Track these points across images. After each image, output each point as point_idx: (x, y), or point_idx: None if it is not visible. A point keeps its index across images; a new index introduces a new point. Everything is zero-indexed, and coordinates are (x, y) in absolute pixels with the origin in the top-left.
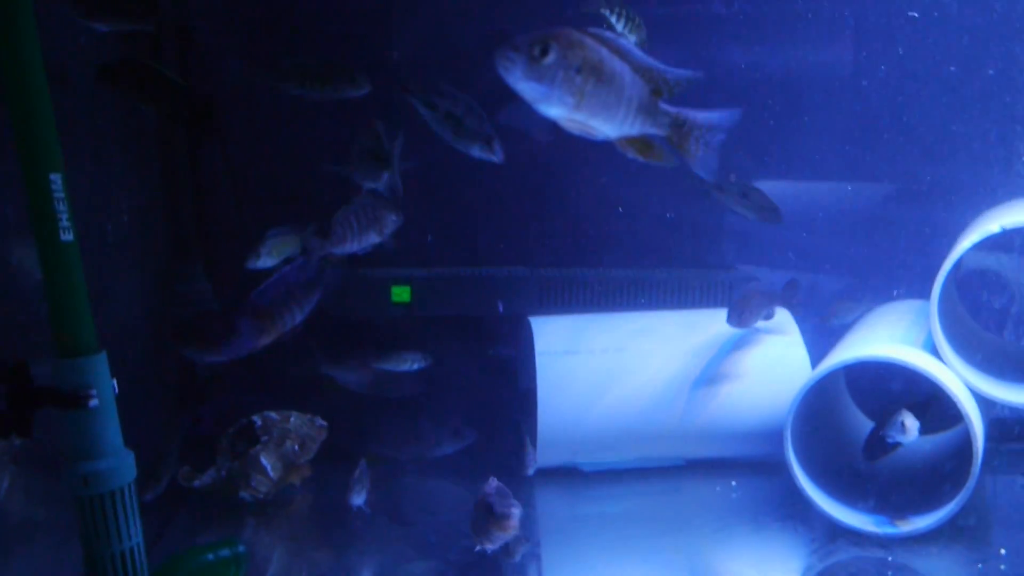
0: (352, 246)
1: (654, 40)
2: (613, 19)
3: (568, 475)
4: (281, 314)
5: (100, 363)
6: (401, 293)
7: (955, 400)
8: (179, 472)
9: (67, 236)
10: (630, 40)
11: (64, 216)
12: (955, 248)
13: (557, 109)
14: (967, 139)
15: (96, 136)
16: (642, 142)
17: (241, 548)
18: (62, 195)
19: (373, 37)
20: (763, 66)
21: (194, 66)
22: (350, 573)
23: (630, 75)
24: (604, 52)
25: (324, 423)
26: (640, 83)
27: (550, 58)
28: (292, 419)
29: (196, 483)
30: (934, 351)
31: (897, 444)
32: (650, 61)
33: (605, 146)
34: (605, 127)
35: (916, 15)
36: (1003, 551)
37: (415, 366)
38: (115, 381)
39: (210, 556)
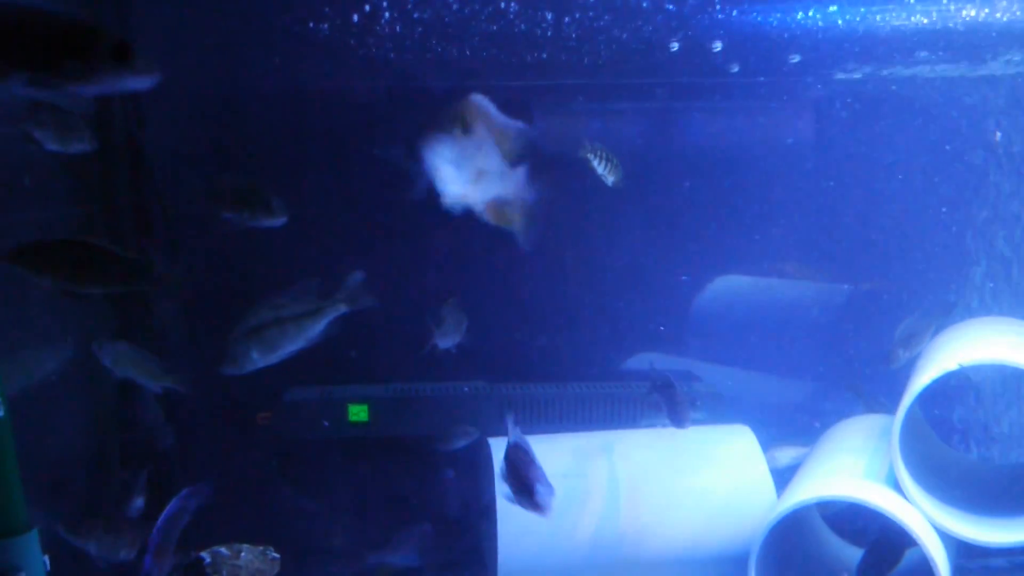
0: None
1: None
2: (595, 162)
3: None
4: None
5: (30, 543)
6: (359, 412)
7: (922, 546)
8: None
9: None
10: (608, 180)
11: None
12: (913, 385)
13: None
14: (925, 243)
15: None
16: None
17: None
18: None
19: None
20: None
21: (145, 185)
22: None
23: None
24: None
25: (277, 555)
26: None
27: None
28: (243, 554)
29: None
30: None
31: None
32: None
33: (569, 261)
34: None
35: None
36: None
37: None
38: (47, 557)
39: None
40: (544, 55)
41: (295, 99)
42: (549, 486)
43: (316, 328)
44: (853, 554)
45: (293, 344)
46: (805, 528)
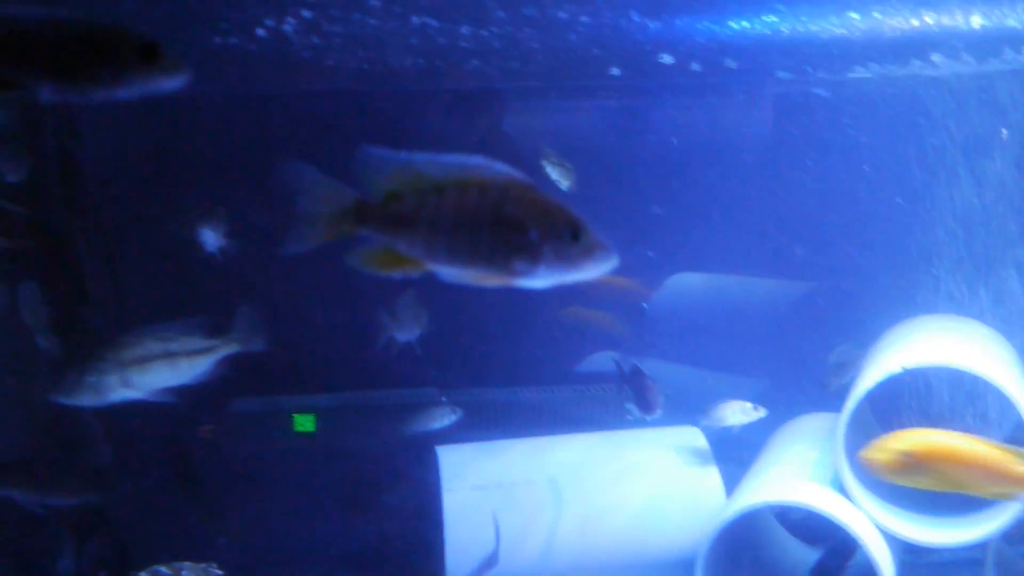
0: None
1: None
2: (550, 168)
3: None
4: None
5: None
6: (305, 422)
7: (866, 549)
8: None
9: None
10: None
11: None
12: (857, 388)
13: None
14: (886, 245)
15: None
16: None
17: None
18: None
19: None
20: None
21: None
22: None
23: None
24: None
25: (220, 573)
26: None
27: None
28: (184, 572)
29: None
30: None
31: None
32: None
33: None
34: None
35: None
36: None
37: None
38: None
39: None
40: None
41: (230, 105)
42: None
43: (207, 365)
44: (805, 552)
45: (178, 379)
46: (757, 526)
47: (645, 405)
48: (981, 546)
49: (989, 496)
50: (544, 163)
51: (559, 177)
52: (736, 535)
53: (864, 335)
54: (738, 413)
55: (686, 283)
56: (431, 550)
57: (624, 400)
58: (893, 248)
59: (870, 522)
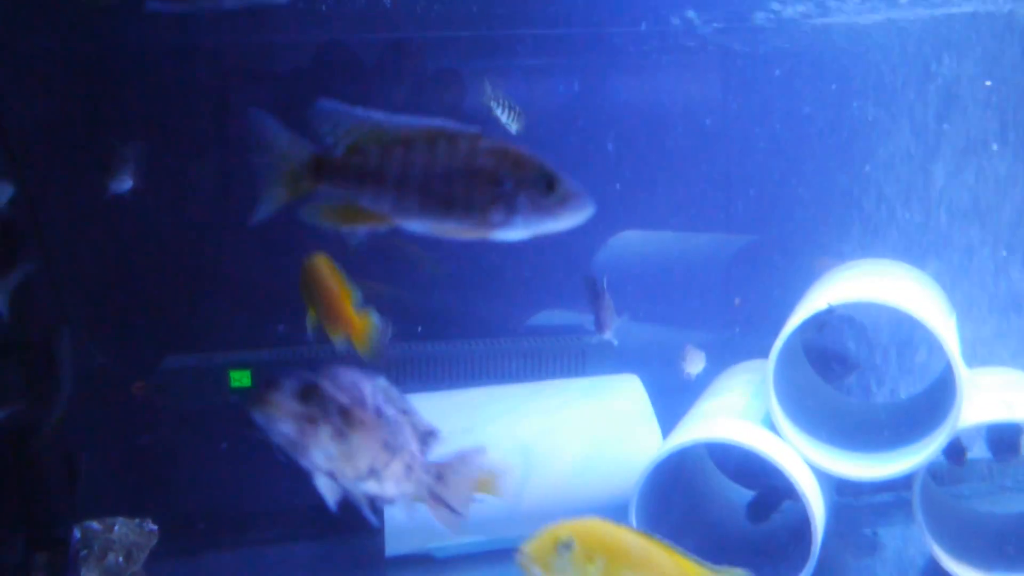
0: None
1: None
2: (499, 111)
3: (422, 563)
4: None
5: None
6: (241, 378)
7: (793, 484)
8: None
9: None
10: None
11: None
12: (786, 326)
13: None
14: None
15: None
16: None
17: None
18: None
19: None
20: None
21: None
22: None
23: None
24: None
25: (154, 527)
26: None
27: None
28: (116, 527)
29: None
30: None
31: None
32: None
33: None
34: None
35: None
36: None
37: None
38: None
39: None
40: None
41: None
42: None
43: None
44: (744, 496)
45: None
46: (694, 469)
47: (600, 323)
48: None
49: None
50: (492, 104)
51: (509, 121)
52: (674, 479)
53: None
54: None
55: (631, 241)
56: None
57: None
58: (825, 196)
59: (799, 457)
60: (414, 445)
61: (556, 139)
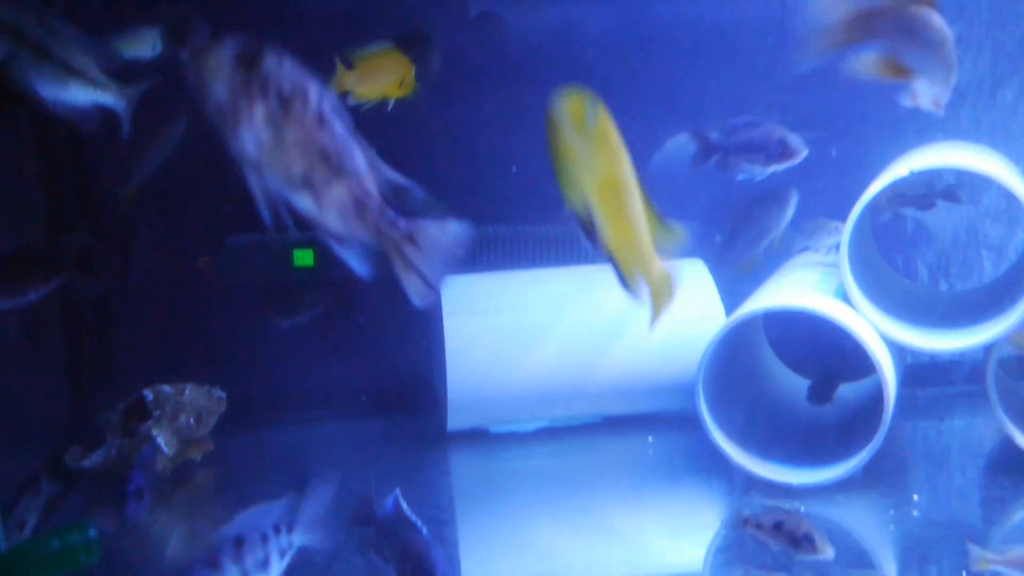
0: None
1: None
2: None
3: (480, 438)
4: None
5: None
6: (304, 256)
7: (865, 348)
8: (67, 452)
9: None
10: None
11: None
12: (865, 193)
13: None
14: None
15: None
16: None
17: (92, 532)
18: None
19: None
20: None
21: None
22: None
23: None
24: None
25: (223, 394)
26: None
27: None
28: (187, 391)
29: (85, 463)
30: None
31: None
32: None
33: (505, 100)
34: None
35: None
36: (916, 497)
37: None
38: None
39: (56, 543)
40: None
41: None
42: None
43: None
44: (800, 382)
45: None
46: (754, 357)
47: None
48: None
49: None
50: None
51: None
52: (736, 366)
53: None
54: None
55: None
56: (434, 378)
57: None
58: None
59: (873, 328)
60: (369, 182)
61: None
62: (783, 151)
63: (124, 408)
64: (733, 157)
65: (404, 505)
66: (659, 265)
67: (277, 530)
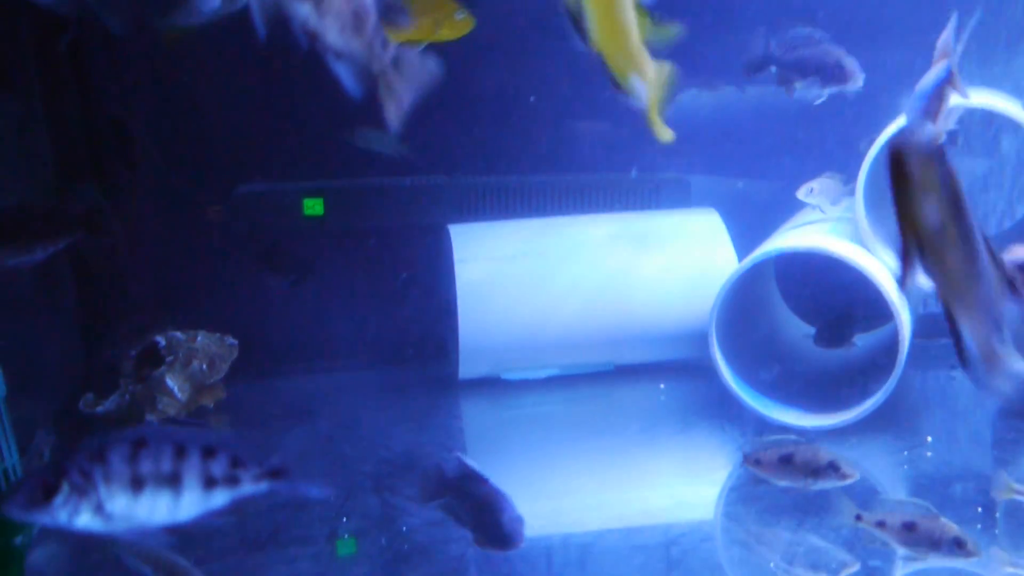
0: None
1: None
2: None
3: (493, 385)
4: None
5: None
6: (314, 206)
7: (880, 289)
8: (81, 398)
9: None
10: None
11: None
12: (879, 137)
13: None
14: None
15: None
16: None
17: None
18: None
19: None
20: None
21: None
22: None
23: None
24: None
25: (235, 341)
26: None
27: None
28: (199, 338)
29: (99, 409)
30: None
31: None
32: None
33: (523, 47)
34: None
35: None
36: (929, 439)
37: None
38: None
39: None
40: None
41: None
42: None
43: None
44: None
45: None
46: (768, 310)
47: None
48: None
49: None
50: None
51: None
52: (746, 312)
53: None
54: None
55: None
56: (445, 326)
57: None
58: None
59: (887, 270)
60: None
61: None
62: (839, 74)
63: (137, 354)
64: (787, 72)
65: (468, 461)
66: (649, 62)
67: (211, 453)
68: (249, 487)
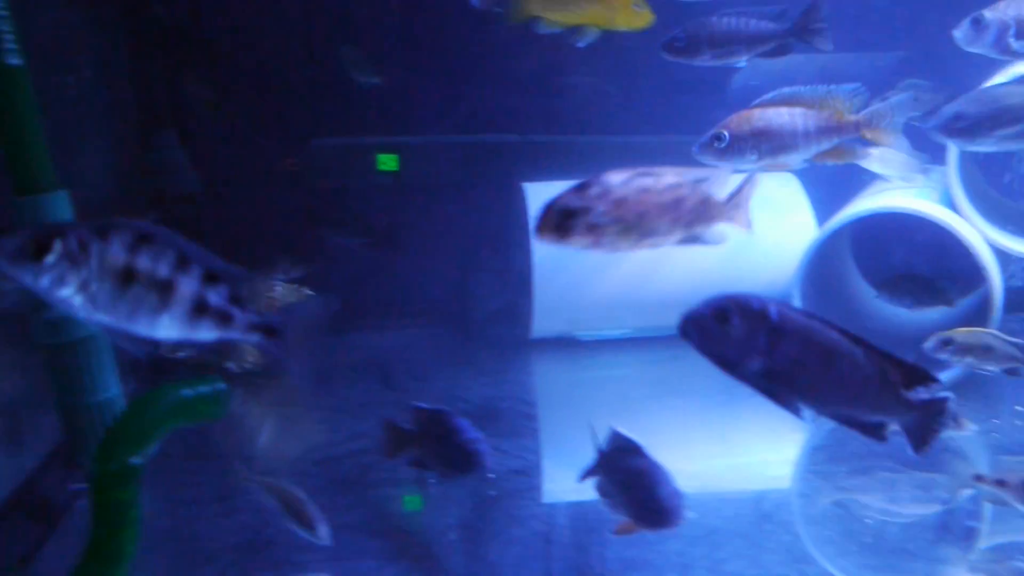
0: None
1: None
2: None
3: (566, 345)
4: None
5: (60, 201)
6: (388, 161)
7: (973, 250)
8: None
9: (13, 59)
10: None
11: (9, 38)
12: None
13: None
14: None
15: None
16: None
17: (222, 386)
18: (6, 13)
19: None
20: None
21: None
22: (342, 440)
23: None
24: None
25: (312, 293)
26: None
27: None
28: (277, 288)
29: (181, 354)
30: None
31: None
32: None
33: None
34: None
35: None
36: (1018, 407)
37: None
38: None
39: (186, 392)
40: None
41: None
42: None
43: None
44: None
45: None
46: (841, 274)
47: None
48: None
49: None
50: None
51: None
52: (823, 275)
53: None
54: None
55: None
56: (516, 284)
57: None
58: None
59: (980, 235)
60: None
61: None
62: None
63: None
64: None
65: (623, 432)
66: None
67: (213, 279)
68: (238, 332)
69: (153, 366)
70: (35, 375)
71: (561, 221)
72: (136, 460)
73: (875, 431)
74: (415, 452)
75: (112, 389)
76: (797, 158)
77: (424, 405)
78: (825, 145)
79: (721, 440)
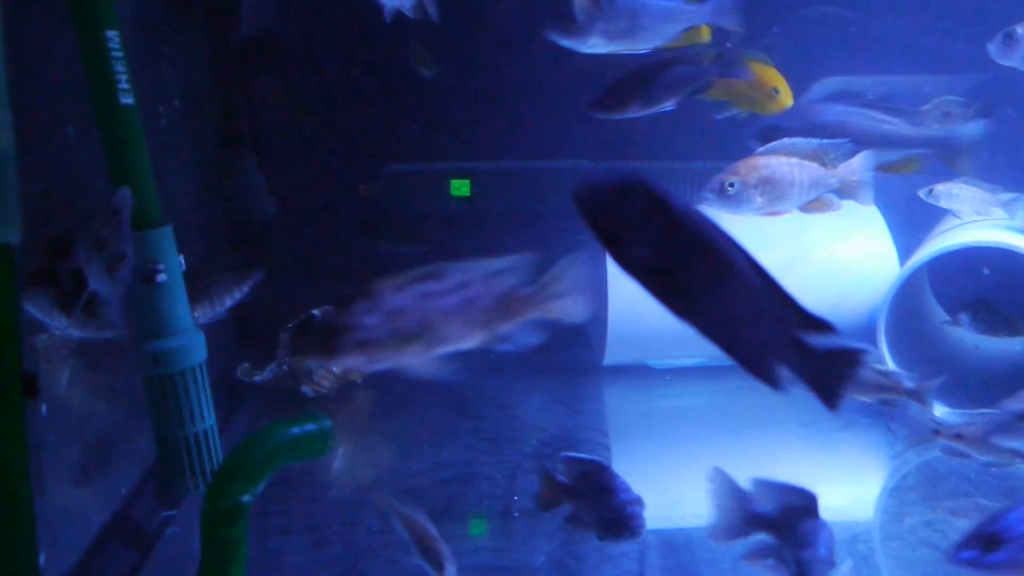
0: None
1: None
2: None
3: (639, 373)
4: None
5: (166, 237)
6: (460, 187)
7: None
8: (238, 367)
9: (127, 99)
10: None
11: (123, 78)
12: None
13: None
14: None
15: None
16: None
17: (327, 423)
18: (120, 55)
19: None
20: None
21: None
22: (417, 467)
23: None
24: None
25: None
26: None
27: None
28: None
29: (257, 378)
30: None
31: None
32: None
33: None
34: None
35: None
36: None
37: None
38: (182, 257)
39: (295, 430)
40: None
41: None
42: None
43: None
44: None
45: None
46: (922, 306)
47: None
48: None
49: None
50: None
51: None
52: (903, 307)
53: None
54: None
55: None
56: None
57: None
58: None
59: None
60: None
61: None
62: None
63: (294, 327)
64: None
65: (781, 482)
66: None
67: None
68: None
69: (230, 390)
70: (130, 401)
71: (326, 341)
72: (246, 498)
73: (772, 378)
74: (571, 507)
75: (208, 419)
76: (791, 206)
77: (577, 456)
78: (812, 196)
79: (802, 474)
